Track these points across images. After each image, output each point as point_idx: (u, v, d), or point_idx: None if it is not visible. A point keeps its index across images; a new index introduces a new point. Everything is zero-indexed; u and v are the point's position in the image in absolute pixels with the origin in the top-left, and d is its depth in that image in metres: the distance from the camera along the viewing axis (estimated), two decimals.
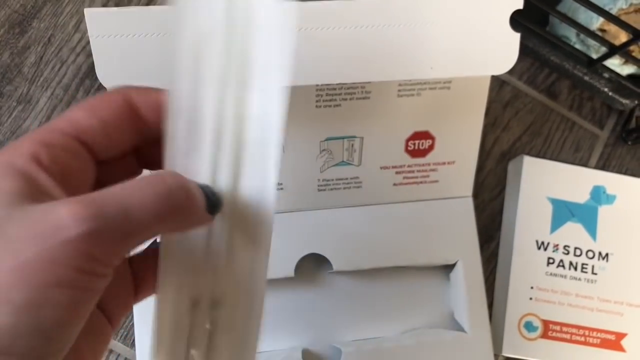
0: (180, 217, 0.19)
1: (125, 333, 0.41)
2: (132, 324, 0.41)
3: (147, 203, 0.18)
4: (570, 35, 0.45)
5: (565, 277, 0.43)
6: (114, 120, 0.21)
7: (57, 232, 0.16)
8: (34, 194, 0.18)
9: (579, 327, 0.42)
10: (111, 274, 0.18)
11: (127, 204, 0.18)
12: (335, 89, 0.37)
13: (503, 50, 0.33)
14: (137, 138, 0.23)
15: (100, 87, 0.43)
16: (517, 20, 0.33)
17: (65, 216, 0.17)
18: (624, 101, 0.46)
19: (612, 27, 0.43)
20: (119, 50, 0.29)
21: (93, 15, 0.28)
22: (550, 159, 0.45)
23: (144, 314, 0.37)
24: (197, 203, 0.20)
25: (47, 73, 0.43)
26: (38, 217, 0.17)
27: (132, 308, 0.29)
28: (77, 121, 0.21)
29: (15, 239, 0.17)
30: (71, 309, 0.17)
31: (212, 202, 0.21)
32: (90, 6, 0.44)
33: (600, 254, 0.43)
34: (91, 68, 0.44)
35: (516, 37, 0.33)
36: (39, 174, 0.19)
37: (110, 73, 0.29)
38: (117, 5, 0.44)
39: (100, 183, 0.21)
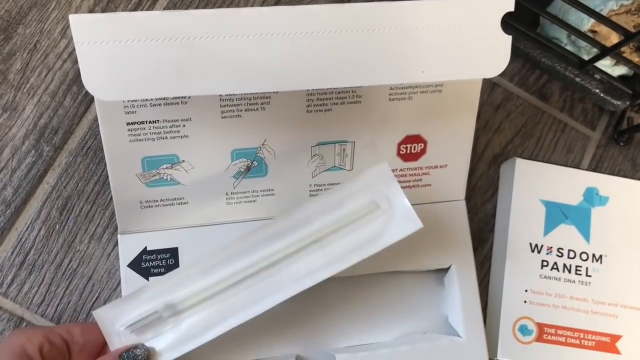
0: None
1: None
2: None
3: None
4: (561, 36, 0.45)
5: (559, 279, 0.42)
6: (94, 344, 0.35)
7: None
8: None
9: (573, 330, 0.42)
10: None
11: None
12: (325, 93, 0.37)
13: (494, 53, 0.33)
14: None
15: (88, 94, 0.43)
16: (508, 22, 0.32)
17: None
18: (616, 102, 0.46)
19: (602, 28, 0.43)
20: (105, 57, 0.28)
21: (78, 22, 0.28)
22: (543, 161, 0.45)
23: None
24: None
25: (33, 80, 0.43)
26: None
27: None
28: (72, 334, 0.34)
29: None
30: None
31: None
32: (76, 12, 0.44)
33: (594, 255, 0.43)
34: (78, 74, 0.43)
35: (507, 39, 0.32)
36: None
37: (97, 80, 0.29)
38: (103, 10, 0.44)
39: None
